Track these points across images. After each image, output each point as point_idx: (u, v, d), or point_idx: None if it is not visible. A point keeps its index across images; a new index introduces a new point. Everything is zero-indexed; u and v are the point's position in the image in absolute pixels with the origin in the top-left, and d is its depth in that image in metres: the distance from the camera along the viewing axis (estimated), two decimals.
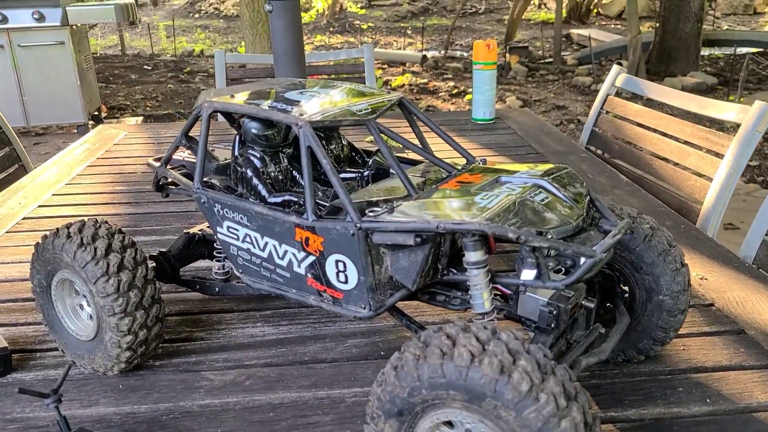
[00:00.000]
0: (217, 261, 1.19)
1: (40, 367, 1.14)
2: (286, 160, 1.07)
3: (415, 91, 8.03)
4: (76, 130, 6.07)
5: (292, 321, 1.26)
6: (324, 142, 1.14)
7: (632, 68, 7.50)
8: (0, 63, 5.66)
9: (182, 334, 1.23)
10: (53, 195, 1.97)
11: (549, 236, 0.81)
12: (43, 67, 5.77)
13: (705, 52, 8.79)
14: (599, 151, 2.31)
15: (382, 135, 0.98)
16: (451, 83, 8.29)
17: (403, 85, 8.26)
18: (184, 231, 1.26)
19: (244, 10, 6.93)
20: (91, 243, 1.04)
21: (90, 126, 6.03)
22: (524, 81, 8.44)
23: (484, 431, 0.72)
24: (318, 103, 1.00)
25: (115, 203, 1.90)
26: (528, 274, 0.82)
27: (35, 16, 5.59)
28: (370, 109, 1.00)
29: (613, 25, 12.90)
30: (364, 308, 0.91)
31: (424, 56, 9.70)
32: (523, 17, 11.41)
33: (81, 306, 1.13)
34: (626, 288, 1.05)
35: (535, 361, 0.69)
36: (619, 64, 8.75)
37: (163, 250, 1.22)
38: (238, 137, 1.07)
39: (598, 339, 0.93)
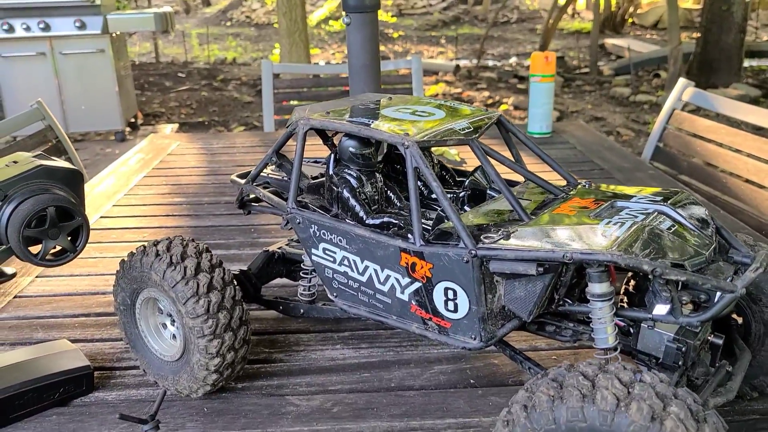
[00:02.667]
0: (303, 282, 1.16)
1: (121, 387, 1.11)
2: (381, 181, 1.03)
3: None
4: (113, 137, 6.13)
5: (372, 344, 1.22)
6: None
7: (673, 79, 7.35)
8: (42, 70, 5.75)
9: (261, 355, 1.20)
10: (114, 206, 1.96)
11: (686, 268, 0.76)
12: (83, 75, 5.83)
13: (747, 63, 8.60)
14: (666, 168, 2.23)
15: (486, 155, 0.94)
16: (486, 93, 8.23)
17: (437, 94, 8.22)
18: (264, 249, 1.23)
19: (281, 19, 6.96)
20: (180, 262, 1.01)
21: (127, 133, 6.09)
22: (560, 91, 8.34)
23: None
24: (418, 122, 0.96)
25: (176, 215, 1.89)
26: (661, 309, 0.77)
27: (77, 24, 5.67)
28: (471, 128, 0.96)
29: (648, 35, 12.72)
30: (474, 339, 0.87)
31: (457, 66, 9.65)
32: (557, 27, 11.29)
33: (164, 325, 1.11)
34: (740, 319, 0.99)
35: (687, 408, 0.64)
36: (657, 75, 8.60)
37: (244, 268, 1.19)
38: (332, 156, 1.03)
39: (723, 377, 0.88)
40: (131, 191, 2.08)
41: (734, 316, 0.99)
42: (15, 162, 0.99)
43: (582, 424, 0.66)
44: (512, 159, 1.05)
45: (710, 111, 2.15)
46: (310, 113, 1.00)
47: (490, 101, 7.91)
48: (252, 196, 1.17)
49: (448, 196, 1.05)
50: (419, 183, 0.86)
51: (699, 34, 8.16)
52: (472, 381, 1.10)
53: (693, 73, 8.05)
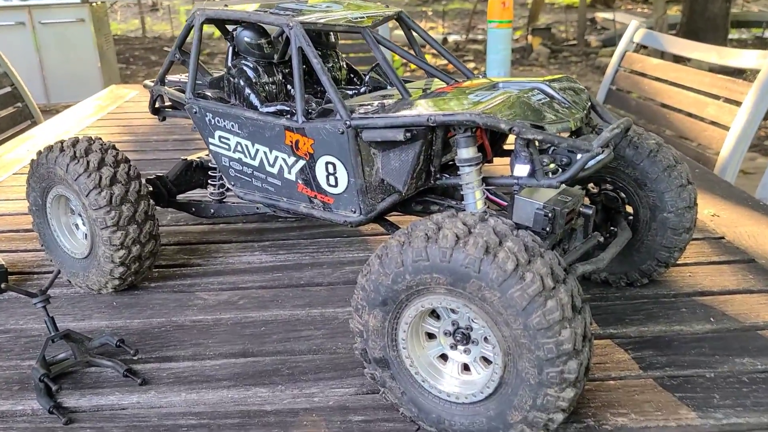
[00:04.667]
0: (211, 182, 1.18)
1: (36, 288, 1.13)
2: (281, 74, 1.04)
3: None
4: None
5: (290, 250, 1.24)
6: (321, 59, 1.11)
7: None
8: (21, 40, 5.68)
9: (179, 261, 1.22)
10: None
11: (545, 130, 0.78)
12: (64, 45, 5.78)
13: (734, 35, 8.57)
14: (617, 109, 2.25)
15: (378, 44, 0.95)
16: (472, 65, 8.20)
17: None
18: (182, 158, 1.25)
19: None
20: (84, 156, 1.03)
21: None
22: (546, 62, 8.31)
23: (470, 317, 0.70)
24: (313, 10, 0.97)
25: (122, 150, 1.90)
26: (521, 170, 0.79)
27: None
28: (365, 18, 0.98)
29: (639, 9, 12.65)
30: (355, 212, 0.89)
31: (445, 39, 9.61)
32: (547, 1, 11.24)
33: (76, 225, 1.13)
34: (630, 209, 1.01)
35: (522, 243, 0.67)
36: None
37: (161, 173, 1.20)
38: (231, 48, 1.05)
39: (597, 249, 0.90)
40: (81, 131, 2.09)
41: (626, 206, 1.01)
42: None
43: (425, 262, 0.68)
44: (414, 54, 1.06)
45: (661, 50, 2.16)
46: (208, 5, 1.01)
47: (476, 71, 7.88)
48: (167, 103, 1.19)
49: (351, 92, 1.07)
50: (317, 61, 0.87)
51: (685, 3, 8.11)
52: None
53: None
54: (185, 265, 1.20)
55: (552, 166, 0.79)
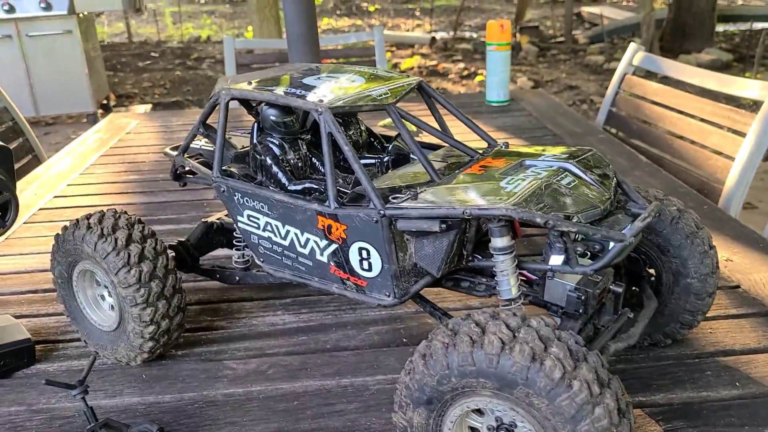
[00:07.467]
0: (236, 250, 1.18)
1: (63, 358, 1.14)
2: (305, 147, 1.05)
3: (424, 73, 7.96)
4: (85, 120, 6.07)
5: (312, 309, 1.26)
6: (342, 127, 1.12)
7: (646, 46, 7.36)
8: (9, 53, 5.65)
9: (203, 323, 1.23)
10: (68, 185, 1.97)
11: (577, 220, 0.79)
12: (51, 57, 5.75)
13: (720, 28, 8.65)
14: (617, 132, 2.27)
15: (402, 120, 0.96)
16: (461, 65, 8.21)
17: (413, 67, 8.19)
18: (202, 220, 1.25)
19: None
20: (111, 234, 1.03)
21: (99, 115, 6.03)
22: (535, 61, 8.34)
23: (515, 418, 0.71)
24: (337, 88, 0.98)
25: (130, 192, 1.90)
26: (556, 260, 0.81)
27: (42, 5, 5.56)
28: (389, 94, 0.99)
29: (625, 3, 12.71)
30: (389, 296, 0.90)
31: (433, 38, 9.62)
32: None
33: (102, 296, 1.13)
34: (652, 271, 1.03)
35: (567, 348, 0.68)
36: (632, 42, 8.62)
37: (182, 239, 1.21)
38: (256, 125, 1.05)
39: (626, 324, 0.92)
40: (87, 170, 2.09)
41: (648, 269, 1.03)
42: None
43: (471, 367, 0.69)
44: (437, 124, 1.07)
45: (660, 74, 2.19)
46: (232, 83, 1.02)
47: (465, 72, 7.90)
48: (187, 168, 1.20)
49: (373, 161, 1.08)
50: (348, 148, 0.88)
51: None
52: (404, 339, 1.14)
53: (666, 39, 8.08)
54: (209, 328, 1.21)
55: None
